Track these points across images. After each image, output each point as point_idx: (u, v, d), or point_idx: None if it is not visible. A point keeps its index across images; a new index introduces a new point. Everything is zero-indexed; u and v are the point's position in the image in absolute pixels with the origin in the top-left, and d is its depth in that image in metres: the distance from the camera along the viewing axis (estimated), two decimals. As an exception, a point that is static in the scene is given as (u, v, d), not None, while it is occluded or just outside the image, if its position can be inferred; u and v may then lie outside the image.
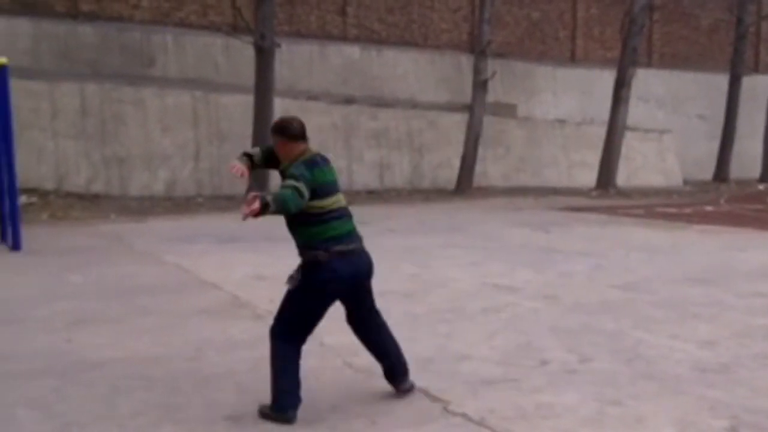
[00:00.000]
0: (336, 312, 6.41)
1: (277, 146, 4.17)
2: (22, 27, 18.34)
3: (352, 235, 4.14)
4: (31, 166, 15.75)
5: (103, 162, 17.26)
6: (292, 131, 4.12)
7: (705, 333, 5.77)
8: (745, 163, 28.52)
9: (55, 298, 7.00)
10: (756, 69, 30.29)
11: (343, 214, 4.13)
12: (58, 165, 16.76)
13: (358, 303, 4.27)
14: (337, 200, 4.11)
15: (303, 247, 4.12)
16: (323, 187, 4.02)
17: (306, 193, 3.88)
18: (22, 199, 12.92)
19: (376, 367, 4.80)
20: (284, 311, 4.12)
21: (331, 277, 4.01)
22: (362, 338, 4.38)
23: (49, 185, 16.41)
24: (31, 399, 4.29)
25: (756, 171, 28.43)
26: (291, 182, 3.89)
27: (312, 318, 4.10)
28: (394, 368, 4.33)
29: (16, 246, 9.94)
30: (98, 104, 17.33)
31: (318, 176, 4.01)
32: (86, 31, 19.21)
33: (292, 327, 4.07)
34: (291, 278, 4.10)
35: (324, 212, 4.03)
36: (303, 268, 4.09)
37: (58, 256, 9.66)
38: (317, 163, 4.07)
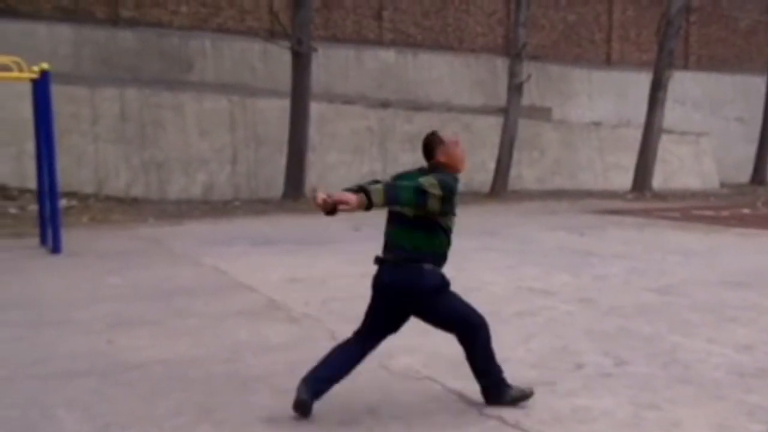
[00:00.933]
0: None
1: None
2: (64, 33, 18.72)
3: None
4: (71, 170, 16.04)
5: (142, 166, 17.52)
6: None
7: (742, 337, 5.70)
8: (784, 166, 28.05)
9: (95, 301, 7.11)
10: (794, 71, 29.77)
11: None
12: (98, 169, 17.04)
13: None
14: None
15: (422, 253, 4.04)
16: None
17: (433, 200, 3.88)
18: (63, 203, 13.14)
19: (411, 370, 4.83)
20: (459, 305, 4.19)
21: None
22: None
23: (89, 189, 16.70)
24: (72, 399, 4.37)
25: (794, 174, 27.98)
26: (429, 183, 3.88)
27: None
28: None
29: (56, 249, 10.11)
30: (137, 109, 17.60)
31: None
32: (126, 36, 19.54)
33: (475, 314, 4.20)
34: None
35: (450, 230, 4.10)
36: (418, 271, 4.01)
37: (98, 258, 9.81)
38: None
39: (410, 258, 4.00)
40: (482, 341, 4.15)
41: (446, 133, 4.36)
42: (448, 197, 3.95)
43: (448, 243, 4.12)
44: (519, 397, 4.18)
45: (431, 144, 4.25)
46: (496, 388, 4.17)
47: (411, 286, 4.01)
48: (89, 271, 8.76)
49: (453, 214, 4.10)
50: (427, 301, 4.07)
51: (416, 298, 4.05)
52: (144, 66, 19.51)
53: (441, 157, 4.21)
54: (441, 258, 4.10)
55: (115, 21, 19.92)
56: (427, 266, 4.01)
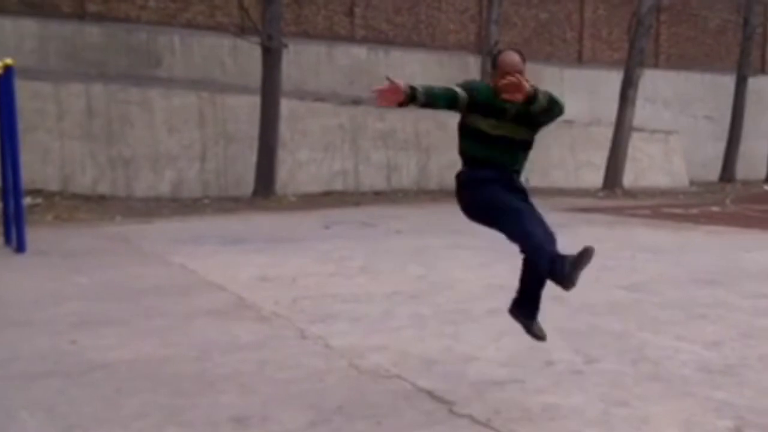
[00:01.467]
0: (343, 314, 6.40)
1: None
2: (29, 28, 18.42)
3: None
4: (36, 167, 15.79)
5: (108, 163, 17.30)
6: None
7: (711, 334, 5.74)
8: (752, 163, 28.50)
9: (60, 300, 6.99)
10: (762, 70, 30.25)
11: None
12: (64, 166, 16.80)
13: None
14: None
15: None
16: None
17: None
18: (27, 201, 12.95)
19: (381, 369, 4.79)
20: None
21: None
22: None
23: (54, 186, 16.45)
24: (35, 401, 4.28)
25: (762, 172, 28.42)
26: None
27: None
28: None
29: (20, 248, 9.93)
30: (104, 105, 17.37)
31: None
32: (93, 31, 19.28)
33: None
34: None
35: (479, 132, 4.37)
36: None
37: (64, 257, 9.66)
38: None
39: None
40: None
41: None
42: (470, 96, 4.14)
43: (476, 147, 4.34)
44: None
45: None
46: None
47: None
48: (54, 271, 8.61)
49: (481, 115, 4.23)
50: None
51: None
52: (111, 61, 19.25)
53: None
54: (467, 161, 4.46)
55: (81, 15, 19.64)
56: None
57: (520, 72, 4.13)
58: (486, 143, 4.29)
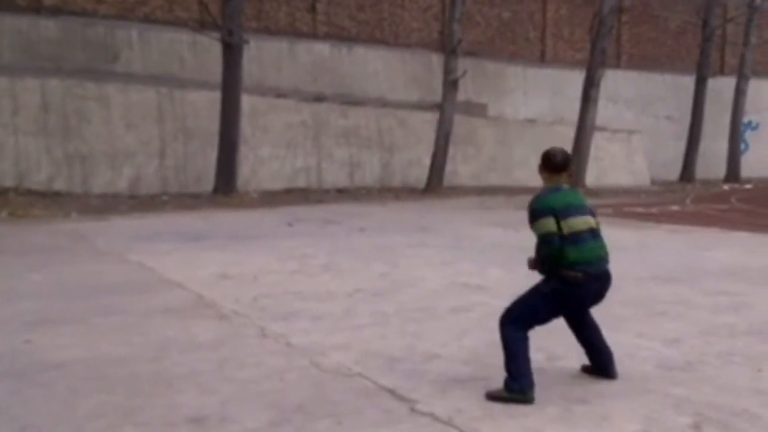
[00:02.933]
0: (305, 312, 6.32)
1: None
2: (-16, 21, 18.01)
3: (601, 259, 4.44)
4: (-10, 163, 15.48)
5: (65, 159, 16.99)
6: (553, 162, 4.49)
7: (671, 331, 5.79)
8: (711, 163, 28.94)
9: (14, 298, 6.83)
10: (721, 71, 30.75)
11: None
12: (19, 162, 16.46)
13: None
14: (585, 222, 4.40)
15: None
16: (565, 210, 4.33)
17: (549, 229, 4.30)
18: (-18, 197, 12.67)
19: (343, 368, 4.74)
20: (526, 302, 4.41)
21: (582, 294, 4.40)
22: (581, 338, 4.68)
23: (8, 182, 16.13)
24: (-13, 401, 4.17)
25: (721, 171, 28.87)
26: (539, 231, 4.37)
27: (545, 318, 4.42)
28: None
29: (-26, 244, 9.72)
30: (60, 100, 17.05)
31: (557, 200, 4.37)
32: (49, 25, 18.90)
33: (527, 318, 4.35)
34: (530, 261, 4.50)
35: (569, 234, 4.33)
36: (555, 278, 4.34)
37: (18, 255, 9.45)
38: (559, 189, 4.45)
39: None
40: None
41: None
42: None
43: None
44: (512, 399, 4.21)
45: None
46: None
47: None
48: (8, 268, 8.42)
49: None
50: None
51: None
52: (67, 56, 18.89)
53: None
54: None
55: (37, 9, 19.26)
56: None
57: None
58: None
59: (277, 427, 3.83)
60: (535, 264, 4.41)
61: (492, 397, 4.19)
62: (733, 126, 28.82)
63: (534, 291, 4.40)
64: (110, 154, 17.49)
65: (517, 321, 4.32)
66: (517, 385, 4.15)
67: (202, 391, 4.34)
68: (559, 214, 4.28)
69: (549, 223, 4.28)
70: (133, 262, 8.84)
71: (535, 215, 4.38)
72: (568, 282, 4.26)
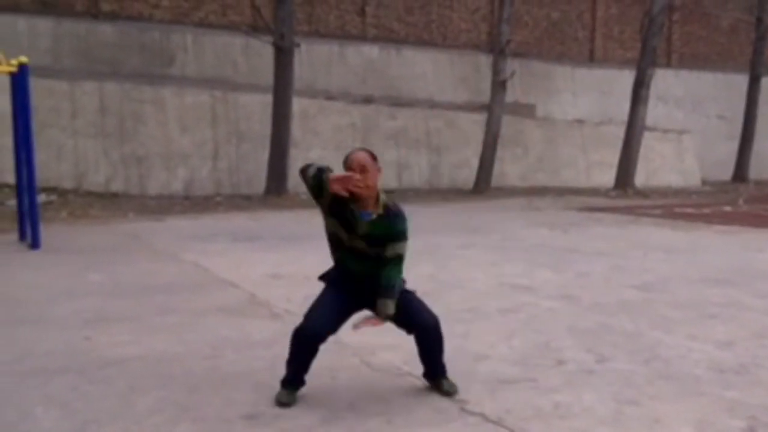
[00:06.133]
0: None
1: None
2: (43, 26, 18.52)
3: None
4: (50, 165, 15.91)
5: (122, 161, 17.38)
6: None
7: (723, 333, 5.72)
8: (764, 163, 28.38)
9: (73, 297, 7.03)
10: (774, 70, 30.04)
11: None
12: (78, 164, 16.89)
13: None
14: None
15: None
16: None
17: None
18: (41, 198, 13.02)
19: (393, 367, 4.80)
20: None
21: None
22: None
23: (68, 184, 16.55)
24: (50, 397, 4.30)
25: (775, 171, 28.26)
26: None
27: None
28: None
29: (35, 244, 10.00)
30: (118, 103, 17.45)
31: None
32: (106, 30, 19.36)
33: None
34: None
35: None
36: None
37: (77, 254, 9.70)
38: None
39: None
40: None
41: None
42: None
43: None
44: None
45: None
46: None
47: None
48: (68, 267, 8.66)
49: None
50: None
51: None
52: (124, 60, 19.34)
53: None
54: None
55: (95, 14, 19.74)
56: None
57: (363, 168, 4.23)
58: None
59: (328, 424, 3.90)
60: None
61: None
62: (786, 125, 28.21)
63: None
64: (165, 156, 17.84)
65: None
66: None
67: (256, 388, 4.43)
68: None
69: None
70: (188, 261, 9.02)
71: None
72: None
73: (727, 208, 17.17)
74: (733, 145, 27.70)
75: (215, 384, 4.52)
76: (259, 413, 4.03)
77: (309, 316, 4.24)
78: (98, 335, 5.63)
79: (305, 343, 4.17)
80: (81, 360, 5.01)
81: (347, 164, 4.24)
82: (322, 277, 4.41)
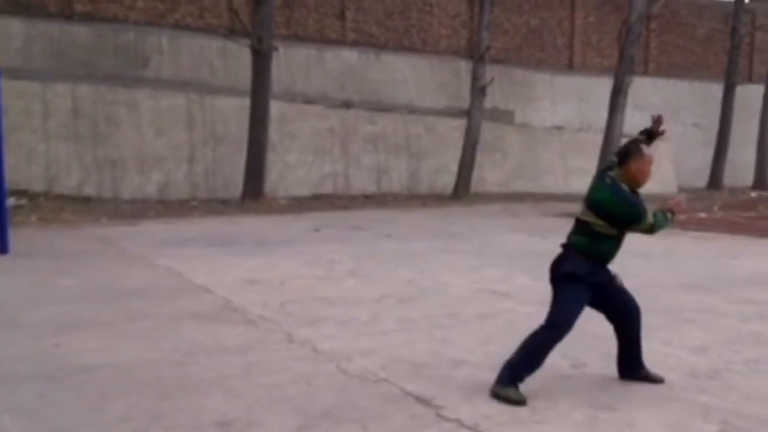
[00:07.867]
0: (331, 318, 6.34)
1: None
2: (15, 27, 18.27)
3: None
4: (20, 168, 15.65)
5: (94, 164, 17.17)
6: None
7: (698, 339, 5.75)
8: (739, 170, 28.69)
9: (43, 302, 6.91)
10: (750, 79, 30.42)
11: None
12: (49, 167, 16.66)
13: None
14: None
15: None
16: None
17: None
18: (11, 201, 12.84)
19: (369, 373, 4.75)
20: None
21: None
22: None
23: (39, 187, 16.30)
24: (18, 405, 4.22)
25: (749, 178, 28.59)
26: None
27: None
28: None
29: (3, 249, 9.82)
30: (91, 105, 17.24)
31: None
32: (80, 31, 19.14)
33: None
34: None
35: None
36: None
37: (48, 259, 9.56)
38: None
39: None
40: (538, 340, 4.45)
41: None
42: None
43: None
44: (508, 398, 4.25)
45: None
46: (505, 377, 4.34)
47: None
48: (38, 273, 8.52)
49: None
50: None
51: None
52: (98, 61, 19.11)
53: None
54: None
55: (68, 15, 19.50)
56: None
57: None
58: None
59: (304, 431, 3.85)
60: None
61: (499, 394, 4.30)
62: (761, 133, 28.50)
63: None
64: (140, 160, 17.66)
65: (551, 321, 4.63)
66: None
67: (229, 395, 4.37)
68: None
69: None
70: (162, 266, 8.91)
71: None
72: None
73: (702, 215, 17.29)
74: (709, 153, 27.97)
75: (187, 391, 4.45)
76: (231, 420, 3.97)
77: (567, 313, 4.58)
78: (69, 341, 5.53)
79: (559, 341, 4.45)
80: (50, 367, 4.92)
81: (645, 159, 4.98)
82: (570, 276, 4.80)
